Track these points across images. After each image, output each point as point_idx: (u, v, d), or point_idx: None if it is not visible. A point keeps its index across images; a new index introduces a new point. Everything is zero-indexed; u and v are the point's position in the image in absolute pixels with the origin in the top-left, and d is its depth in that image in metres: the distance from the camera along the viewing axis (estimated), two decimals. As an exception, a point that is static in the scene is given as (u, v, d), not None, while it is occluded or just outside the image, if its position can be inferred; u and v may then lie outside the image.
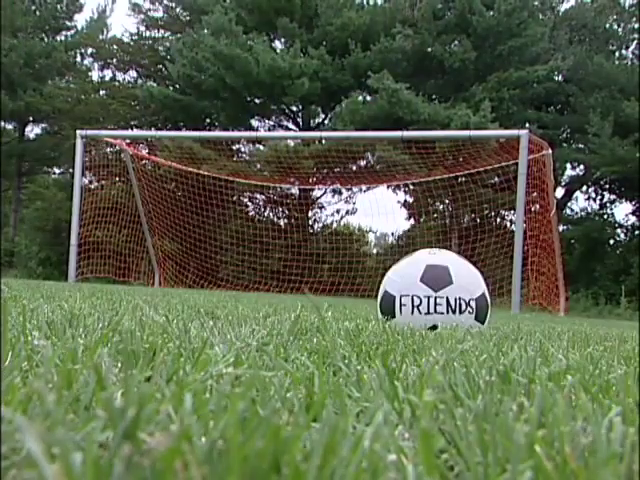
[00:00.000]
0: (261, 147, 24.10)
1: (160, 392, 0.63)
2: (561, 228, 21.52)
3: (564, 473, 0.47)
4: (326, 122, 26.04)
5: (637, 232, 24.49)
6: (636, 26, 25.43)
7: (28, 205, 25.49)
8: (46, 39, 25.55)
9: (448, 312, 3.02)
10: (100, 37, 27.09)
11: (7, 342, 0.91)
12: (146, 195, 16.27)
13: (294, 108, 26.07)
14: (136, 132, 22.71)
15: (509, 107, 22.45)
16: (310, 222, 23.82)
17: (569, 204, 26.05)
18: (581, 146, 24.16)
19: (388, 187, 22.82)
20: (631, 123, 21.35)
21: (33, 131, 28.16)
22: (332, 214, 24.77)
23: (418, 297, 3.03)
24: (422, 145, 16.54)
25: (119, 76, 28.84)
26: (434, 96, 23.23)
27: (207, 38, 22.79)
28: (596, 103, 22.71)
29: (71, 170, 19.51)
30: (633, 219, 25.17)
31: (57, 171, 28.54)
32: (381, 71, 21.17)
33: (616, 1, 25.98)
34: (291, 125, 26.72)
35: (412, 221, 23.58)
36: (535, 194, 13.31)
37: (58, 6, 25.94)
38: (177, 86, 25.66)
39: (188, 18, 28.15)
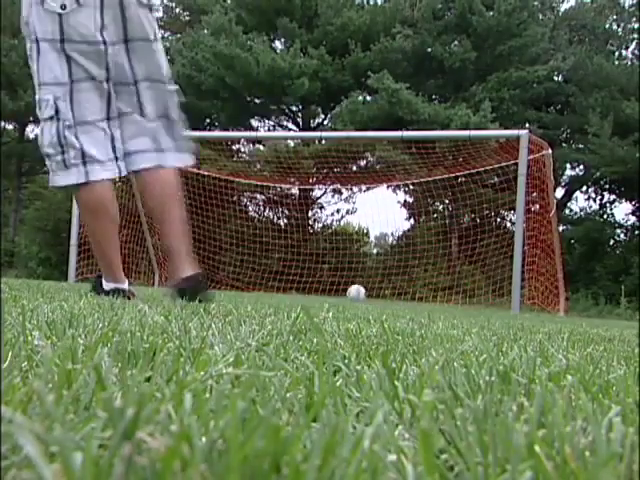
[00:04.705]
0: (261, 147, 24.12)
1: (160, 392, 0.63)
2: (561, 228, 21.52)
3: (564, 473, 0.47)
4: (326, 122, 26.05)
5: (637, 232, 24.49)
6: (636, 26, 25.46)
7: (28, 205, 25.48)
8: (46, 39, 25.53)
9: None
10: (100, 37, 27.06)
11: (7, 342, 0.91)
12: (146, 195, 16.23)
13: (294, 108, 26.08)
14: (136, 132, 22.67)
15: (509, 107, 22.45)
16: (310, 222, 23.82)
17: (569, 204, 26.09)
18: (581, 146, 24.17)
19: (388, 187, 22.85)
20: (631, 123, 21.36)
21: (33, 131, 28.18)
22: (332, 214, 24.83)
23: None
24: (422, 145, 16.54)
25: (119, 76, 28.83)
26: (434, 96, 23.26)
27: (207, 38, 22.81)
28: (596, 103, 22.72)
29: (71, 170, 19.45)
30: (633, 219, 25.19)
31: (57, 171, 28.49)
32: (381, 71, 21.18)
33: (616, 1, 26.01)
34: (291, 125, 26.73)
35: (412, 221, 23.60)
36: (535, 194, 13.30)
37: (58, 6, 25.94)
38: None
39: (188, 18, 28.19)
